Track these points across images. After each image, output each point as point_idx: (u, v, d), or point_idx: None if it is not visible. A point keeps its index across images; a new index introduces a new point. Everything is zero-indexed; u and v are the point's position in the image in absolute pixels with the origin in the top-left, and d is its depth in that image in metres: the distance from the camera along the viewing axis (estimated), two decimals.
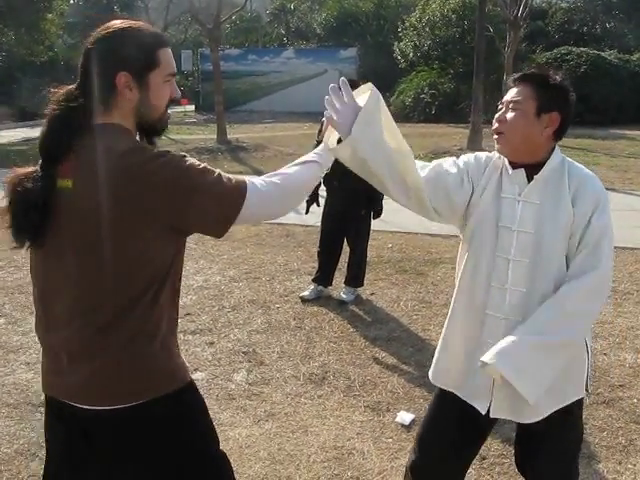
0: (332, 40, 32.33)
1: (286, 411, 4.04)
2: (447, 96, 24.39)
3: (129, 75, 1.79)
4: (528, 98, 2.19)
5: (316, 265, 6.07)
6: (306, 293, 5.91)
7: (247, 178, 1.91)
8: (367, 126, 2.00)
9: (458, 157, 2.41)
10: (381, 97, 2.05)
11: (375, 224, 5.87)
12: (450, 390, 2.43)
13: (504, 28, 20.44)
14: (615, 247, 7.21)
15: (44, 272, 1.89)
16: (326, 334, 5.17)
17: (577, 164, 2.28)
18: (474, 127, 15.86)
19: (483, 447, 3.49)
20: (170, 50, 1.89)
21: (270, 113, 27.53)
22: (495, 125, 2.25)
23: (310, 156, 2.09)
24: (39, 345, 5.07)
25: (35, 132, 23.37)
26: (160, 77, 1.84)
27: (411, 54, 26.35)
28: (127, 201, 1.72)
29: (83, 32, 37.51)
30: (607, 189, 8.00)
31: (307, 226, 8.20)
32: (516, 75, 2.28)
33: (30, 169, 1.82)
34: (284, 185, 1.95)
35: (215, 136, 17.64)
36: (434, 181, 2.27)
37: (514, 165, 2.26)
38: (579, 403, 2.38)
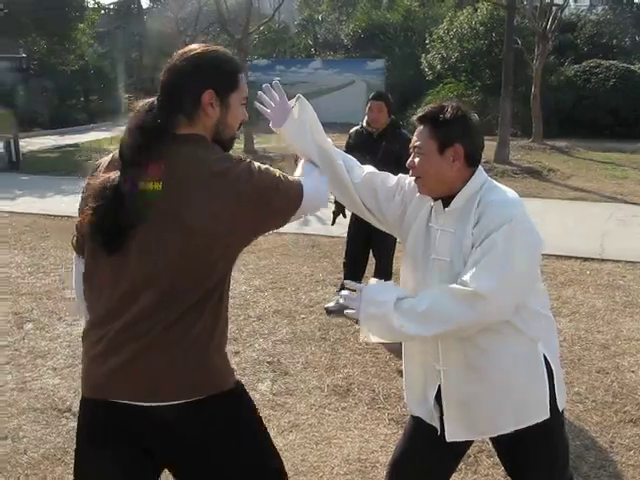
0: (360, 51, 32.30)
1: (310, 422, 4.03)
2: (474, 108, 24.09)
3: (214, 93, 1.93)
4: (427, 139, 2.24)
5: (342, 276, 6.07)
6: (331, 304, 5.91)
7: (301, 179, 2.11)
8: (297, 120, 2.37)
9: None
10: (308, 104, 2.43)
11: None
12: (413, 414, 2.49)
13: (533, 40, 20.33)
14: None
15: (113, 272, 1.91)
16: (351, 346, 5.16)
17: (497, 189, 2.25)
18: (502, 140, 15.75)
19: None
20: (243, 76, 2.07)
21: None
22: (410, 171, 2.32)
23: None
24: (66, 351, 5.15)
25: (65, 139, 23.74)
26: (238, 99, 2.02)
27: (439, 66, 26.23)
28: (216, 204, 1.83)
29: (113, 41, 37.98)
30: (635, 204, 7.91)
31: (333, 237, 8.20)
32: (415, 116, 2.32)
33: (112, 174, 1.89)
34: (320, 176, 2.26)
35: (242, 146, 17.72)
36: (368, 183, 2.46)
37: (434, 197, 2.32)
38: (553, 421, 2.32)
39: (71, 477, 3.41)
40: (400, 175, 2.50)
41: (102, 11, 36.42)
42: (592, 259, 7.53)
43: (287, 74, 31.01)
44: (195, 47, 2.00)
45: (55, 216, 10.29)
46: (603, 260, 7.49)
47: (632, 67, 22.92)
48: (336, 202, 5.84)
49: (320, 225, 8.28)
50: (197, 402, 1.90)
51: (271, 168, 2.00)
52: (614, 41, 27.29)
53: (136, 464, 1.98)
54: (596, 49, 26.20)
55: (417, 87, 27.16)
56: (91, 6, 29.66)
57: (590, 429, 3.91)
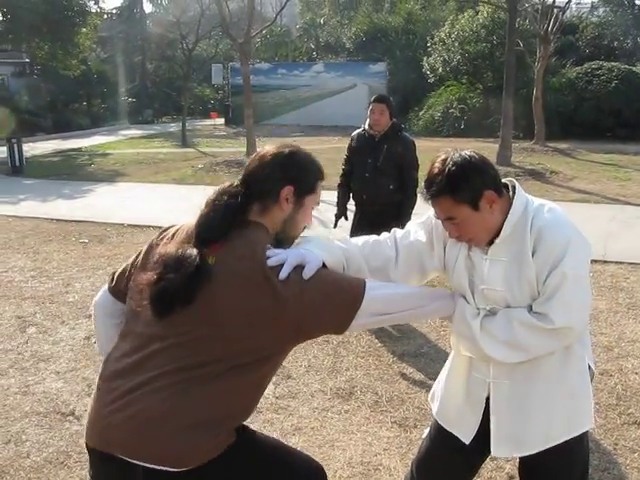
0: (361, 55, 32.35)
1: (313, 425, 4.03)
2: (476, 111, 24.29)
3: (293, 190, 2.05)
4: (455, 208, 2.11)
5: None
6: None
7: (367, 283, 2.06)
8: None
9: (421, 222, 2.40)
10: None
11: None
12: (444, 426, 2.46)
13: (534, 43, 20.36)
14: None
15: (148, 330, 1.98)
16: (353, 349, 5.16)
17: (544, 209, 2.16)
18: (503, 142, 15.74)
19: (511, 465, 3.46)
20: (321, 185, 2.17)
21: (299, 127, 27.62)
22: (458, 240, 2.21)
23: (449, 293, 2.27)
24: (69, 354, 5.15)
25: (67, 144, 23.81)
26: (311, 202, 2.13)
27: (440, 69, 26.26)
28: (257, 301, 1.89)
29: (116, 46, 38.02)
30: (639, 205, 7.86)
31: None
32: (425, 197, 2.18)
33: (189, 248, 1.96)
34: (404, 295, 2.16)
35: (244, 149, 17.71)
36: (408, 265, 2.33)
37: None
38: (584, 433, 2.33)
39: None
40: (414, 226, 2.40)
41: (104, 16, 36.47)
42: (595, 261, 7.49)
43: (289, 78, 31.09)
44: (288, 145, 2.15)
45: (58, 220, 10.31)
46: (606, 262, 7.46)
47: (634, 69, 22.90)
48: (338, 205, 5.85)
49: (323, 228, 8.25)
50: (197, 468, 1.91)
51: (319, 271, 1.99)
52: (616, 43, 27.32)
53: None
54: (598, 51, 26.21)
55: (419, 90, 27.19)
56: (93, 11, 29.70)
57: (594, 431, 3.90)
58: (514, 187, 2.20)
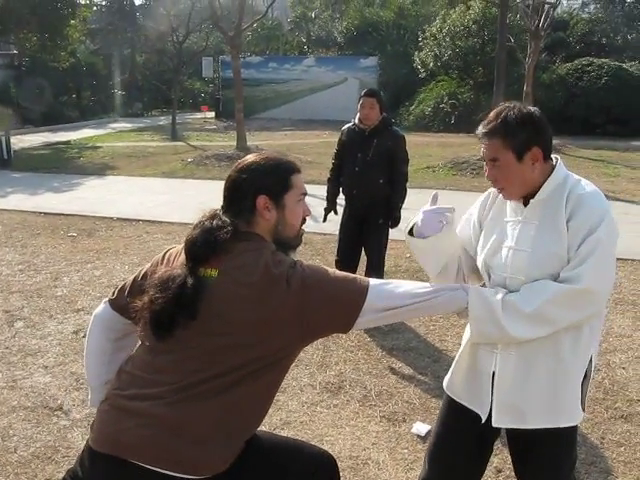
0: (352, 49, 32.32)
1: (302, 420, 4.03)
2: (467, 106, 24.31)
3: (267, 198, 2.06)
4: (501, 151, 2.18)
5: None
6: None
7: (371, 281, 2.07)
8: (451, 230, 2.36)
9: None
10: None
11: (393, 233, 5.84)
12: (455, 398, 2.47)
13: (525, 38, 20.37)
14: (634, 260, 7.05)
15: (157, 348, 2.02)
16: (343, 343, 5.16)
17: (582, 182, 2.23)
18: None
19: (499, 459, 3.48)
20: (301, 175, 2.17)
21: (290, 121, 27.58)
22: (492, 183, 2.28)
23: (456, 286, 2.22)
24: (57, 349, 5.12)
25: (56, 136, 23.59)
26: (294, 197, 2.12)
27: (431, 64, 26.26)
28: (261, 309, 1.93)
29: (105, 38, 37.82)
30: (627, 201, 7.94)
31: (325, 234, 8.20)
32: (479, 132, 2.24)
33: (177, 269, 2.02)
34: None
35: (235, 143, 17.67)
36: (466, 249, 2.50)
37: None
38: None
39: (62, 475, 3.41)
40: (469, 215, 2.51)
41: (94, 7, 36.26)
42: None
43: (280, 71, 31.03)
44: (248, 158, 2.15)
45: (46, 213, 10.26)
46: None
47: (624, 65, 22.99)
48: (327, 199, 5.84)
49: (312, 222, 8.24)
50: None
51: (323, 270, 2.05)
52: (606, 40, 27.37)
53: None
54: (588, 47, 26.29)
55: (410, 84, 27.22)
56: (83, 2, 29.54)
57: (581, 425, 3.91)
58: (557, 161, 2.27)
